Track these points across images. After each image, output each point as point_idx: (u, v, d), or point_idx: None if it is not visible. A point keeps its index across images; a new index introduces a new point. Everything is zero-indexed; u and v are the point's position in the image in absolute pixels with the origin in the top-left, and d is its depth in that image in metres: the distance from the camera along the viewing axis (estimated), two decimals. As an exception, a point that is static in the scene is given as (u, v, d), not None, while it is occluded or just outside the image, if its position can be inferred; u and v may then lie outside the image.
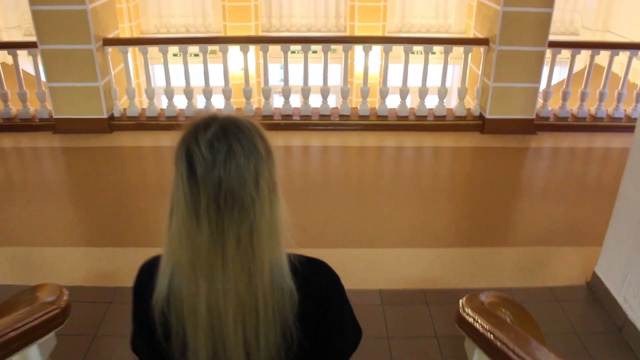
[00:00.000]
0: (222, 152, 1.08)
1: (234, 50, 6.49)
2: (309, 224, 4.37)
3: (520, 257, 4.03)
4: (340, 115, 6.30)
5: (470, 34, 10.75)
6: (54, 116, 5.99)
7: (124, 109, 6.23)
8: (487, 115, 6.10)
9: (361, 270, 3.80)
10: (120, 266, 3.81)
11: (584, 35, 11.47)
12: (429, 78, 6.27)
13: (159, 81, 9.55)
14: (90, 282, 3.63)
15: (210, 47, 6.11)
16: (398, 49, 6.34)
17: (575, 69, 9.29)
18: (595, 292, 3.59)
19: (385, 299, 3.52)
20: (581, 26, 11.57)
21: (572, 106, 6.43)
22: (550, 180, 5.42)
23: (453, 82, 10.84)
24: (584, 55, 6.28)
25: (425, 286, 3.66)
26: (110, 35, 6.02)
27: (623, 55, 6.17)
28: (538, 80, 5.96)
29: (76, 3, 5.42)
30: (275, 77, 10.86)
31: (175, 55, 6.27)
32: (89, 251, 4.04)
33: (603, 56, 6.26)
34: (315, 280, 1.26)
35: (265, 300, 1.15)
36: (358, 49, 9.71)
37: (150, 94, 6.16)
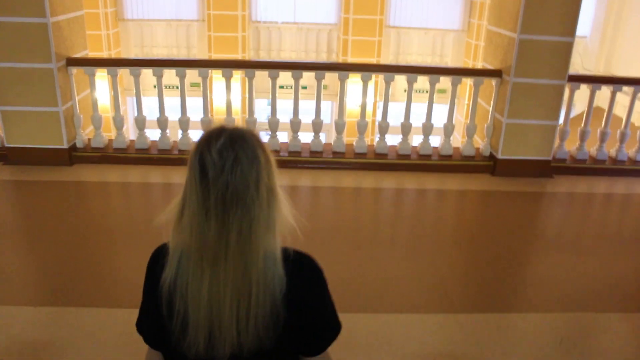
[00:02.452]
0: (230, 159, 1.27)
1: (218, 83, 5.79)
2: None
3: (558, 326, 3.31)
4: (334, 152, 5.60)
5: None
6: (6, 144, 5.23)
7: (89, 139, 5.47)
8: (499, 156, 5.43)
9: (364, 342, 3.01)
10: (60, 332, 2.96)
11: (585, 77, 11.05)
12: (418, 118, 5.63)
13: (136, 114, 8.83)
14: (15, 356, 2.78)
15: (192, 80, 5.40)
16: (395, 86, 5.67)
17: (578, 111, 8.81)
18: (659, 376, 2.86)
19: (396, 383, 2.75)
20: (582, 68, 11.17)
21: (589, 147, 5.81)
22: (574, 230, 4.73)
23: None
24: (585, 94, 5.64)
25: (445, 365, 2.90)
26: (77, 56, 5.30)
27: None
28: (556, 118, 5.32)
29: (35, 15, 4.70)
30: (261, 115, 10.19)
31: (155, 87, 5.55)
32: (18, 312, 3.15)
33: (607, 98, 5.63)
34: (302, 269, 1.42)
35: (257, 284, 1.30)
36: (350, 85, 9.13)
37: (119, 123, 5.42)
